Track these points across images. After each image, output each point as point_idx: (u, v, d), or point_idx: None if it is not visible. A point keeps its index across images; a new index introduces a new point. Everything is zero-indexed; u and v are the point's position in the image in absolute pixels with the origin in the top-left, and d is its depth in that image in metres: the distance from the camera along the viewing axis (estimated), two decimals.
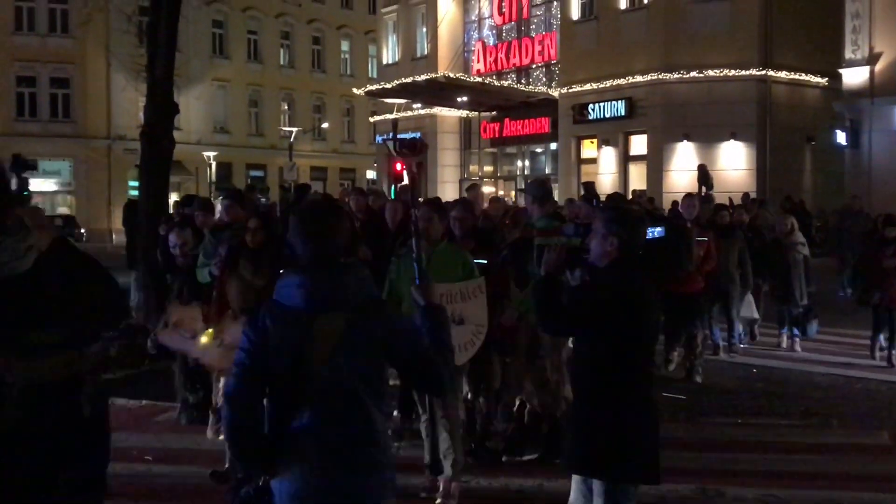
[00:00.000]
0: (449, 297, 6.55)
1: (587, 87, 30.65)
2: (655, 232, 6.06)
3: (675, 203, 15.47)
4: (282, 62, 57.10)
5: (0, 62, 46.14)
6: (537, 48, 34.64)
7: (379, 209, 11.36)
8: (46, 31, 46.95)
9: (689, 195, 12.60)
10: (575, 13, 31.67)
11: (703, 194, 23.44)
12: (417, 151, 21.96)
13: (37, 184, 47.99)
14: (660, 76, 28.36)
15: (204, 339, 7.13)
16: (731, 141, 28.10)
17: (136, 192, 18.87)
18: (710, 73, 27.79)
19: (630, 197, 21.70)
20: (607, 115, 30.33)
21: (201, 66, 47.21)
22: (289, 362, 3.45)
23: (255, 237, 7.36)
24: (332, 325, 3.47)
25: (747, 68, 27.74)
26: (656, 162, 28.93)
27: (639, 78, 28.80)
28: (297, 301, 3.48)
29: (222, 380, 7.14)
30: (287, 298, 3.51)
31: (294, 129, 50.60)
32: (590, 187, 16.69)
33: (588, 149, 31.89)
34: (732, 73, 27.77)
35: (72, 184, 48.49)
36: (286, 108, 57.37)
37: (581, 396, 4.99)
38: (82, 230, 42.99)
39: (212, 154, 46.94)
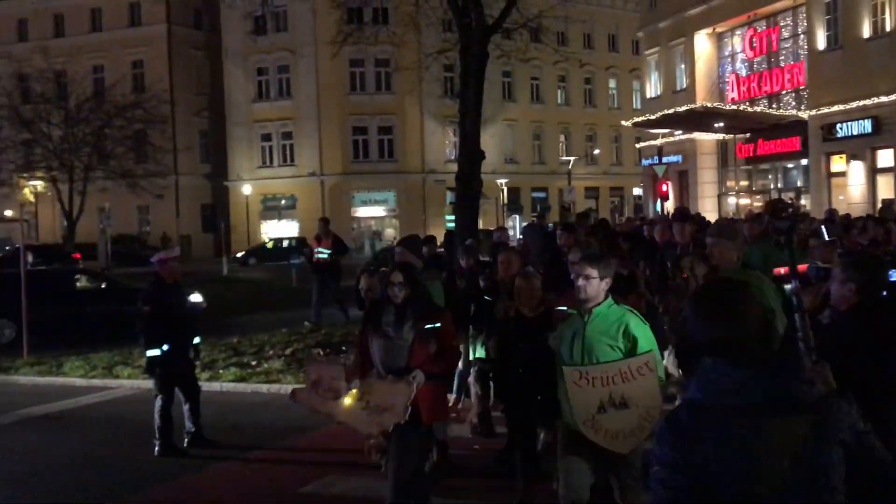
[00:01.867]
0: (605, 380, 5.04)
1: (835, 108, 29.17)
2: None
3: None
4: (559, 101, 57.76)
5: (339, 116, 49.38)
6: (786, 76, 33.35)
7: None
8: (374, 90, 49.67)
9: None
10: (821, 44, 30.27)
11: None
12: None
13: (369, 211, 51.44)
14: None
15: (348, 401, 5.73)
16: None
17: (451, 224, 20.00)
18: None
19: (881, 206, 20.47)
20: (854, 133, 28.72)
21: (494, 110, 48.76)
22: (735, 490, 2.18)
23: (400, 291, 5.81)
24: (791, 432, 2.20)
25: None
26: None
27: (884, 98, 27.12)
28: (740, 398, 2.23)
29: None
30: (715, 395, 2.26)
31: (571, 158, 51.11)
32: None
33: (837, 163, 30.32)
34: None
35: (395, 209, 51.13)
36: (563, 139, 57.91)
37: None
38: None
39: (503, 181, 48.17)
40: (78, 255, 38.42)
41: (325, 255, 17.08)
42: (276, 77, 50.61)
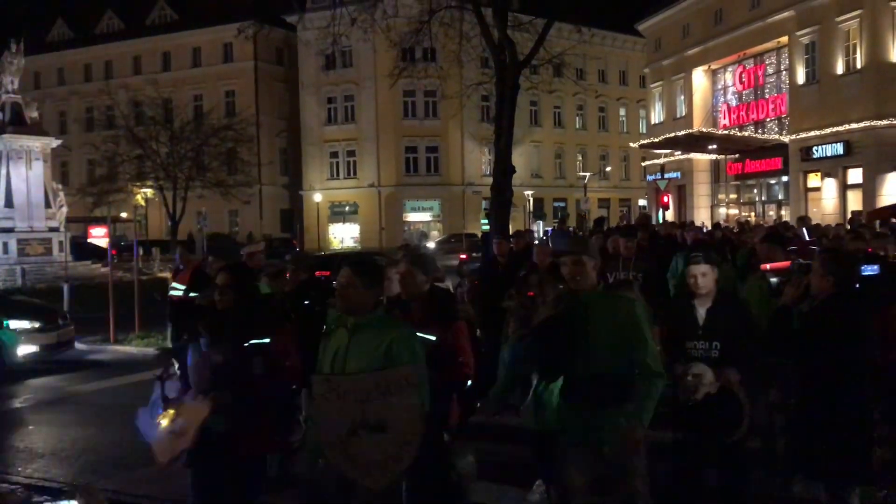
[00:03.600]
0: (359, 395, 3.49)
1: (812, 133, 28.77)
2: (870, 270, 5.17)
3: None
4: (577, 126, 57.39)
5: (394, 138, 49.51)
6: (770, 106, 32.94)
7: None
8: (423, 116, 49.71)
9: None
10: (801, 79, 29.85)
11: None
12: None
13: (418, 216, 51.54)
14: (872, 123, 26.13)
15: (164, 423, 4.14)
16: None
17: (486, 227, 20.01)
18: None
19: (850, 217, 20.04)
20: (828, 154, 28.30)
21: (523, 133, 48.65)
22: None
23: (222, 296, 4.26)
24: None
25: None
26: (869, 189, 26.63)
27: (854, 125, 26.71)
28: None
29: None
30: None
31: (587, 174, 50.79)
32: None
33: (813, 180, 29.89)
34: None
35: (440, 215, 51.05)
36: (580, 158, 57.49)
37: (807, 408, 4.41)
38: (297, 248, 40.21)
39: (530, 192, 47.85)
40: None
41: (180, 293, 8.95)
42: (342, 105, 50.91)
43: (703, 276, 4.53)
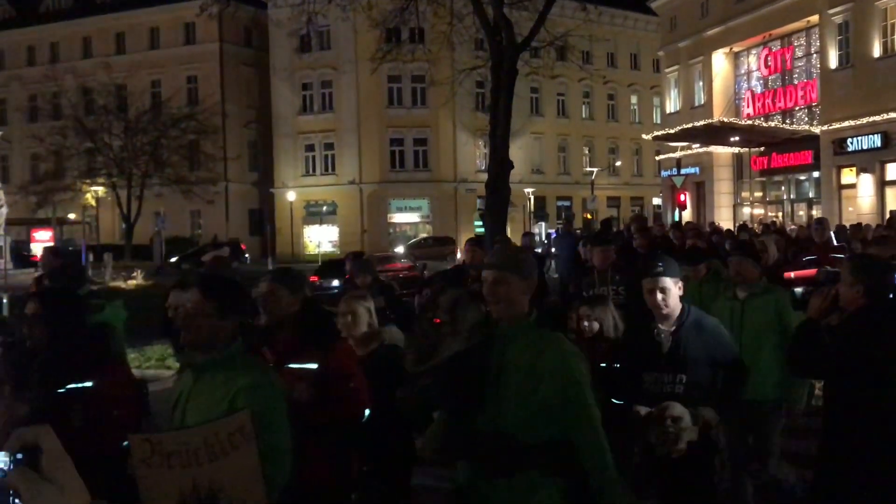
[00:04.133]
0: (186, 456, 2.81)
1: (845, 123, 28.85)
2: None
3: None
4: (583, 116, 57.53)
5: (378, 129, 49.55)
6: (800, 93, 33.06)
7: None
8: (410, 105, 49.74)
9: None
10: (833, 63, 29.95)
11: None
12: None
13: (405, 217, 51.53)
14: None
15: None
16: None
17: (481, 230, 19.99)
18: None
19: (889, 217, 20.11)
20: (864, 147, 28.38)
21: (522, 123, 48.72)
22: None
23: (31, 331, 3.89)
24: None
25: None
26: None
27: (893, 114, 26.77)
28: None
29: None
30: None
31: (594, 169, 50.90)
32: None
33: (847, 176, 29.97)
34: None
35: (429, 216, 51.06)
36: (587, 151, 57.62)
37: (835, 434, 4.13)
38: (246, 255, 40.94)
39: (530, 190, 48.07)
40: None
41: None
42: (319, 92, 50.88)
43: (664, 291, 4.34)
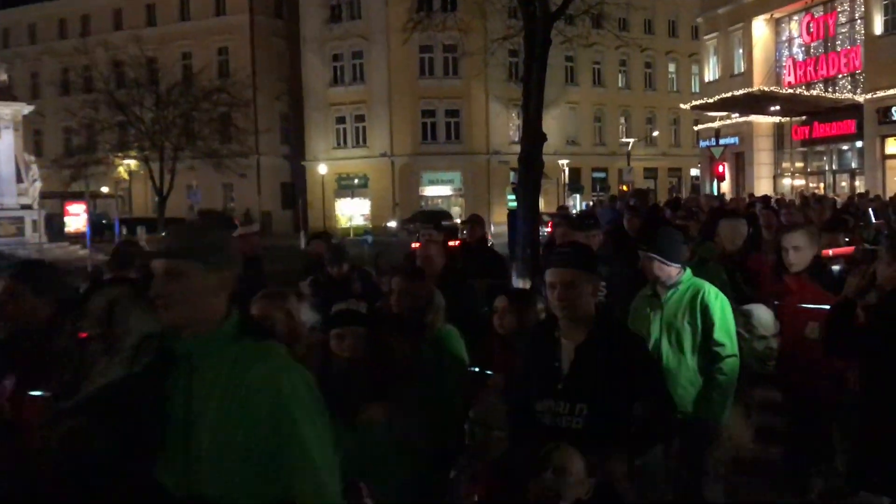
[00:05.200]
0: None
1: (891, 91, 28.44)
2: None
3: None
4: (620, 84, 57.12)
5: (409, 100, 49.51)
6: (843, 60, 32.59)
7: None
8: (442, 75, 49.64)
9: None
10: (878, 28, 29.51)
11: None
12: None
13: (437, 190, 51.68)
14: None
15: None
16: None
17: (513, 204, 20.01)
18: None
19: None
20: None
21: (557, 93, 48.40)
22: None
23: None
24: None
25: None
26: None
27: None
28: None
29: None
30: None
31: (631, 140, 50.58)
32: None
33: (891, 146, 29.62)
34: None
35: (461, 189, 51.11)
36: (623, 121, 57.28)
37: (873, 415, 4.06)
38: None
39: (565, 162, 47.76)
40: None
41: None
42: (350, 63, 51.01)
43: (568, 288, 3.30)
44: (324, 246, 7.35)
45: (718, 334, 4.64)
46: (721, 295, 4.79)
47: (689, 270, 4.82)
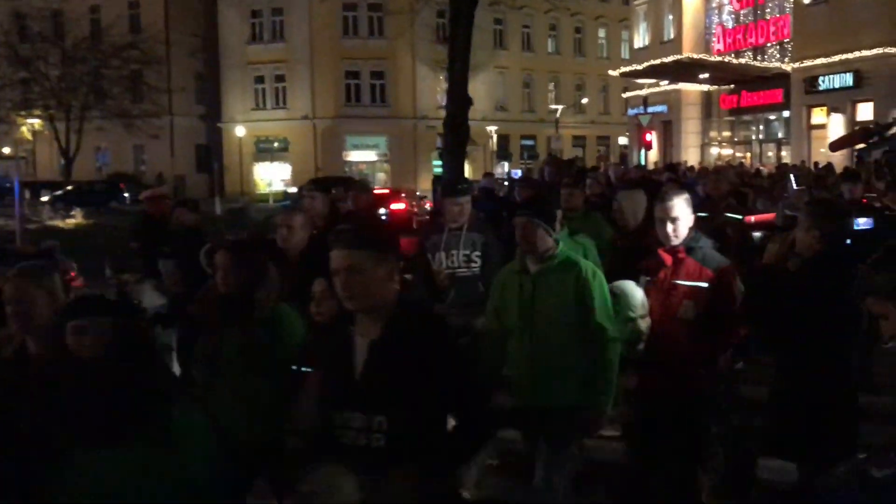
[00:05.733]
0: None
1: (818, 61, 28.75)
2: (862, 223, 5.15)
3: None
4: (549, 50, 56.87)
5: (332, 61, 48.51)
6: (772, 29, 32.82)
7: None
8: (367, 35, 48.72)
9: None
10: None
11: None
12: None
13: (361, 155, 50.91)
14: (886, 50, 26.14)
15: None
16: None
17: (439, 170, 19.70)
18: None
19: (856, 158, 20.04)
20: (836, 86, 28.37)
21: (485, 57, 47.80)
22: None
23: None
24: None
25: None
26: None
27: (866, 52, 26.70)
28: None
29: None
30: None
31: (559, 106, 50.51)
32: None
33: (818, 115, 30.01)
34: None
35: (387, 154, 50.41)
36: (552, 87, 57.12)
37: (786, 383, 4.29)
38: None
39: (493, 128, 47.62)
40: None
41: None
42: (270, 20, 49.59)
43: (353, 273, 2.78)
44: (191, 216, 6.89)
45: (598, 315, 4.36)
46: (599, 273, 4.52)
47: (561, 244, 4.56)
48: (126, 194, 39.09)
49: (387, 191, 29.11)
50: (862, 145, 14.01)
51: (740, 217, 6.93)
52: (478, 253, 5.87)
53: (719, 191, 7.71)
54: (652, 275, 4.59)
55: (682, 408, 4.43)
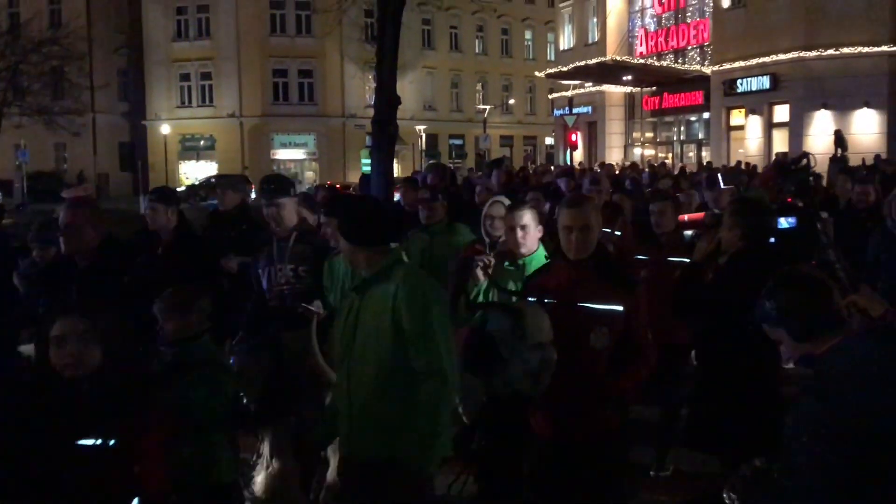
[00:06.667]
0: None
1: (736, 64, 29.62)
2: (787, 222, 5.22)
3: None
4: (477, 50, 57.25)
5: (259, 58, 48.03)
6: (692, 32, 33.67)
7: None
8: (294, 34, 48.36)
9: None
10: (726, 2, 30.56)
11: (838, 156, 22.25)
12: None
13: (289, 154, 50.48)
14: (801, 54, 27.09)
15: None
16: (865, 109, 26.60)
17: (367, 168, 19.70)
18: (846, 50, 26.28)
19: (775, 158, 20.74)
20: (754, 89, 29.27)
21: (413, 57, 47.91)
22: None
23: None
24: None
25: (879, 45, 26.06)
26: (797, 128, 27.74)
27: (782, 56, 27.61)
28: None
29: None
30: None
31: (487, 106, 50.90)
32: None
33: (736, 117, 30.92)
34: (866, 49, 26.18)
35: (315, 153, 50.16)
36: (480, 88, 57.55)
37: (709, 377, 4.37)
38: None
39: (422, 127, 47.76)
40: None
41: None
42: (195, 17, 48.77)
43: None
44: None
45: (418, 343, 3.41)
46: (433, 286, 3.61)
47: (399, 252, 3.66)
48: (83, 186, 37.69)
49: None
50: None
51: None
52: (305, 268, 5.08)
53: (599, 200, 7.22)
54: (548, 294, 3.79)
55: (589, 458, 3.69)
